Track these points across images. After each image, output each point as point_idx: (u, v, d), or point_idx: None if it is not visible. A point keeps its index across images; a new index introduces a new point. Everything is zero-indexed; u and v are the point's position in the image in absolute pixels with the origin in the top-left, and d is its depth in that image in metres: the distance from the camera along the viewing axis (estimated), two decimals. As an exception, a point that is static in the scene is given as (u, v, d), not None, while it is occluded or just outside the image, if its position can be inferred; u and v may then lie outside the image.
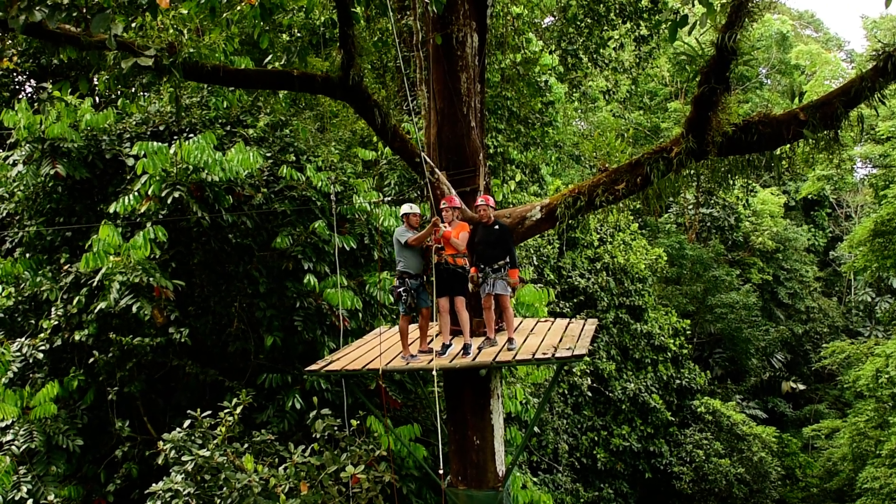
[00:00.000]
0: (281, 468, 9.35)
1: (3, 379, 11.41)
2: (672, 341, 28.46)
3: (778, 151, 8.21)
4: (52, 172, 11.92)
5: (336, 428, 9.84)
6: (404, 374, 12.63)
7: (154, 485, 8.86)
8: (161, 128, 13.17)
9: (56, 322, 11.74)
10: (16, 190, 12.90)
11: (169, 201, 11.31)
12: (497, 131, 19.82)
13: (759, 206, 41.27)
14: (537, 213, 9.41)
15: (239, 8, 10.36)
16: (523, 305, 13.29)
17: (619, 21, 17.14)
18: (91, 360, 11.43)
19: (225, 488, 8.77)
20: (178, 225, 11.79)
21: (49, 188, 12.58)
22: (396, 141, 9.43)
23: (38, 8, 6.97)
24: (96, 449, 12.04)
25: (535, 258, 24.06)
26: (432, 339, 9.65)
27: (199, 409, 9.51)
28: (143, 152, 11.58)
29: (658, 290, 33.78)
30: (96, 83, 13.43)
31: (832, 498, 31.33)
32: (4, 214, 13.31)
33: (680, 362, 28.88)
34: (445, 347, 9.15)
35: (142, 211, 11.48)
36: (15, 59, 15.72)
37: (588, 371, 24.89)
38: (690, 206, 41.37)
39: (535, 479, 19.89)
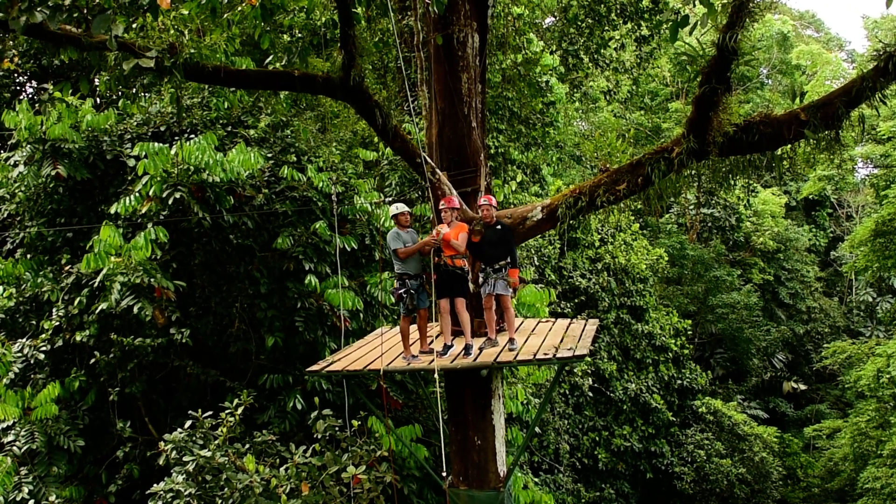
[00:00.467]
0: (282, 469, 9.35)
1: (5, 380, 11.42)
2: (673, 341, 28.46)
3: (779, 151, 8.20)
4: (53, 173, 11.92)
5: (337, 428, 9.84)
6: (405, 375, 12.62)
7: (155, 485, 8.87)
8: (162, 128, 13.17)
9: (57, 323, 11.74)
10: (17, 191, 12.90)
11: (170, 202, 11.30)
12: (498, 132, 19.82)
13: (761, 206, 41.27)
14: (538, 214, 9.41)
15: (240, 8, 10.36)
16: (524, 306, 13.29)
17: (620, 21, 17.15)
18: (92, 360, 11.43)
19: (226, 489, 8.77)
20: (179, 226, 11.79)
21: (50, 189, 12.59)
22: (397, 141, 9.43)
23: (38, 9, 6.99)
24: (97, 449, 12.05)
25: (536, 258, 24.06)
26: (433, 340, 9.66)
27: (200, 410, 9.52)
28: (144, 153, 11.58)
29: (659, 290, 33.78)
30: (97, 84, 13.43)
31: (833, 498, 31.31)
32: (5, 215, 13.31)
33: (681, 362, 28.88)
34: (447, 348, 9.16)
35: (143, 212, 11.48)
36: (16, 59, 15.71)
37: (589, 371, 24.89)
38: (691, 207, 41.36)
39: (536, 480, 19.90)
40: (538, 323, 10.83)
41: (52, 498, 10.65)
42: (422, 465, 11.36)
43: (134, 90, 10.54)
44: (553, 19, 22.33)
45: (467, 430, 9.45)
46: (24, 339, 12.00)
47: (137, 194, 11.55)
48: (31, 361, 11.77)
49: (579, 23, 17.17)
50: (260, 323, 12.27)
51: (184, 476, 8.80)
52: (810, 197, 45.58)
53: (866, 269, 29.74)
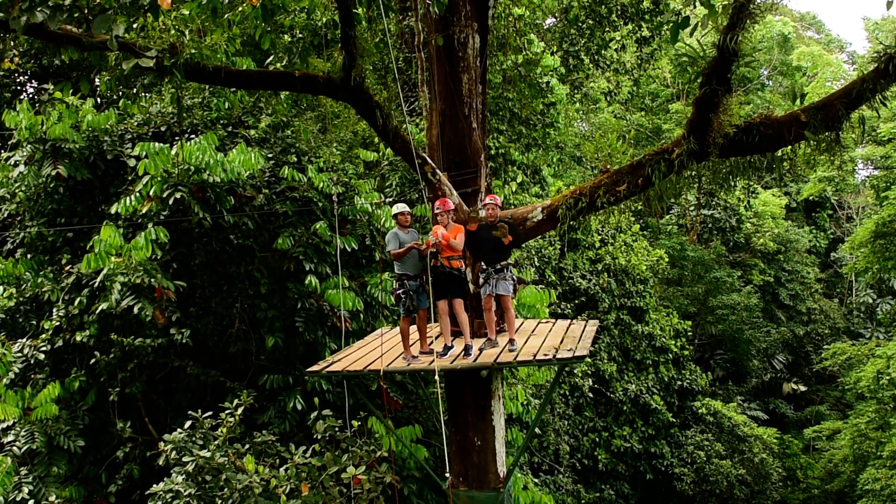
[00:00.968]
0: (282, 469, 9.35)
1: (5, 380, 11.42)
2: (673, 342, 28.46)
3: (779, 153, 8.20)
4: (53, 173, 11.92)
5: (337, 429, 9.83)
6: (405, 375, 12.62)
7: (155, 485, 8.86)
8: (163, 129, 13.17)
9: (57, 323, 11.74)
10: (17, 191, 12.90)
11: (170, 202, 11.31)
12: (499, 132, 19.82)
13: (761, 207, 41.27)
14: (539, 215, 9.41)
15: (240, 9, 10.36)
16: (524, 307, 13.29)
17: (621, 22, 17.14)
18: (92, 360, 11.43)
19: (226, 489, 8.77)
20: (180, 226, 11.79)
21: (50, 189, 12.59)
22: (398, 142, 9.44)
23: (39, 9, 6.99)
24: (97, 450, 12.05)
25: (536, 259, 24.06)
26: (433, 341, 9.66)
27: (200, 410, 9.51)
28: (144, 153, 11.59)
29: (659, 291, 33.78)
30: (98, 84, 13.43)
31: (833, 499, 31.31)
32: (6, 215, 13.31)
33: (681, 363, 28.88)
34: (447, 349, 9.17)
35: (143, 212, 11.48)
36: (16, 59, 15.72)
37: (589, 372, 24.89)
38: (692, 208, 41.36)
39: (536, 480, 19.89)
40: (538, 324, 10.83)
41: (52, 498, 10.64)
42: (422, 466, 11.37)
43: (134, 90, 10.56)
44: (554, 20, 22.31)
45: (467, 430, 9.45)
46: (24, 339, 12.00)
47: (138, 194, 11.54)
48: (32, 361, 11.77)
49: (580, 24, 17.16)
50: (260, 323, 12.27)
51: (183, 476, 8.80)
52: (811, 198, 45.57)
53: (866, 271, 29.73)
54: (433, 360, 8.98)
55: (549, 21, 22.79)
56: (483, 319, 9.50)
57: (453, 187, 9.58)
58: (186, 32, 9.68)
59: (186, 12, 9.60)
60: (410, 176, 15.75)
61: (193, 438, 9.26)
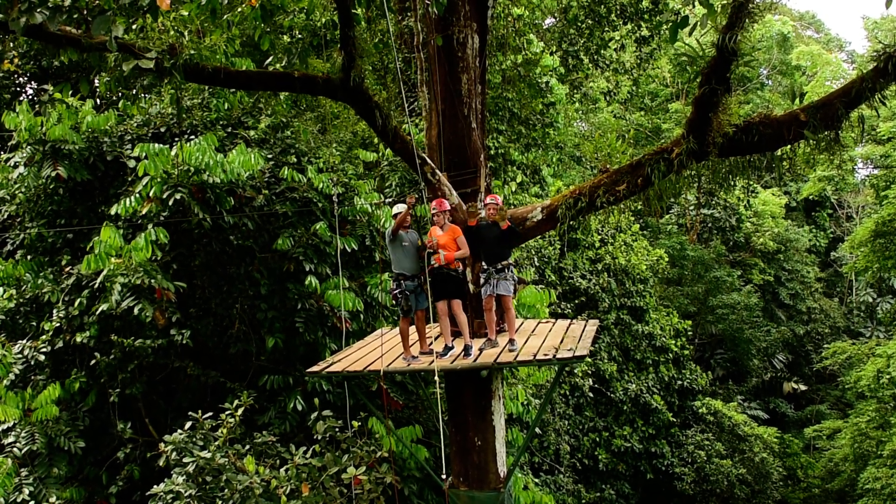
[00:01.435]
0: (282, 470, 9.35)
1: (5, 381, 11.42)
2: (673, 342, 28.47)
3: (779, 152, 8.19)
4: (53, 174, 11.92)
5: (337, 429, 9.83)
6: (406, 376, 12.62)
7: (155, 486, 8.86)
8: (162, 129, 13.17)
9: (57, 324, 11.74)
10: (17, 192, 12.90)
11: (170, 203, 11.31)
12: (498, 132, 19.82)
13: (761, 206, 41.28)
14: (538, 214, 9.41)
15: (240, 9, 10.37)
16: (524, 307, 13.29)
17: (620, 22, 17.16)
18: (92, 361, 11.43)
19: (226, 490, 8.77)
20: (180, 227, 11.79)
21: (50, 190, 12.59)
22: (397, 142, 9.43)
23: (38, 10, 6.99)
24: (98, 451, 12.05)
25: (536, 259, 24.06)
26: (433, 341, 9.66)
27: (200, 411, 9.51)
28: (144, 154, 11.58)
29: (659, 290, 33.78)
30: (97, 85, 13.43)
31: (834, 498, 31.31)
32: (6, 216, 13.31)
33: (681, 363, 28.89)
34: (447, 349, 9.16)
35: (143, 213, 11.48)
36: (16, 60, 15.72)
37: (589, 372, 24.89)
38: (691, 207, 41.37)
39: (536, 480, 19.89)
40: (538, 324, 10.83)
41: (53, 499, 10.63)
42: (422, 466, 11.37)
43: (134, 91, 10.53)
44: (553, 20, 22.34)
45: (467, 430, 9.45)
46: (24, 341, 12.00)
47: (138, 195, 11.54)
48: (32, 363, 11.77)
49: (579, 24, 17.18)
50: (260, 324, 12.27)
51: (184, 477, 8.80)
52: (810, 197, 45.60)
53: (866, 270, 29.75)
54: (433, 361, 8.98)
55: (549, 21, 22.83)
56: (483, 319, 9.50)
57: (453, 187, 9.58)
58: (186, 33, 9.68)
59: (186, 13, 9.62)
60: (410, 176, 15.74)
61: (194, 439, 9.26)
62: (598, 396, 25.70)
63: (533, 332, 10.14)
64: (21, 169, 12.47)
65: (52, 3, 7.13)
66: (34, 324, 12.24)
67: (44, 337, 11.79)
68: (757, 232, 40.93)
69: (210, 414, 9.61)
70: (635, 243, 29.21)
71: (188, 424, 9.43)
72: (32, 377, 11.89)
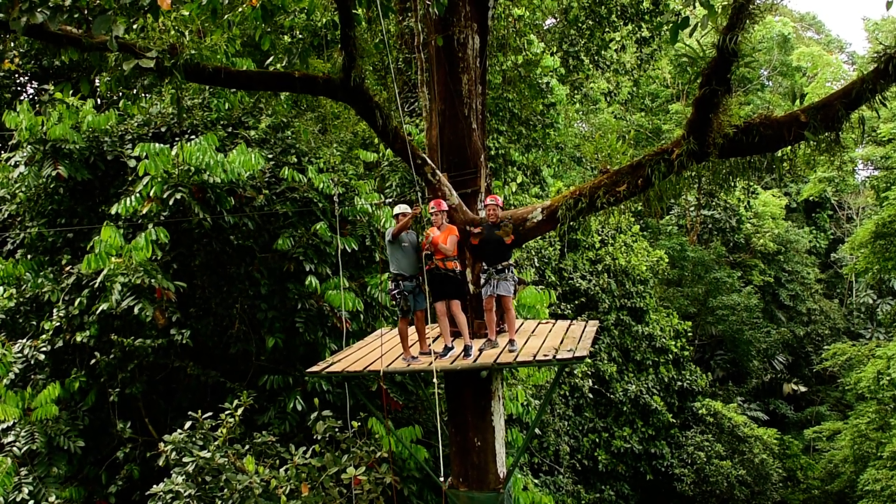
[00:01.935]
0: (282, 470, 9.35)
1: (5, 380, 11.42)
2: (673, 343, 28.46)
3: (779, 153, 8.18)
4: (53, 174, 11.93)
5: (337, 429, 9.84)
6: (405, 376, 12.64)
7: (155, 486, 8.87)
8: (163, 129, 13.18)
9: (57, 323, 11.74)
10: (17, 191, 12.91)
11: (170, 203, 11.32)
12: (498, 133, 19.82)
13: (761, 207, 41.27)
14: (538, 215, 9.41)
15: (240, 9, 10.36)
16: (524, 307, 13.29)
17: (621, 23, 17.14)
18: (92, 361, 11.44)
19: (226, 490, 8.77)
20: (180, 226, 11.80)
21: (51, 189, 12.60)
22: (397, 142, 9.43)
23: (39, 10, 6.99)
24: (97, 450, 12.05)
25: (536, 260, 24.06)
26: (433, 342, 9.66)
27: (200, 411, 9.52)
28: (144, 154, 11.59)
29: (659, 291, 33.78)
30: (98, 85, 13.41)
31: (833, 500, 31.29)
32: (6, 216, 13.32)
33: (681, 364, 28.89)
34: (447, 349, 9.17)
35: (143, 212, 11.48)
36: (17, 60, 15.73)
37: (589, 373, 24.89)
38: (692, 208, 41.36)
39: (536, 481, 19.89)
40: (538, 324, 10.83)
41: (52, 499, 10.65)
42: (422, 467, 11.37)
43: (135, 91, 10.52)
44: (554, 21, 22.33)
45: (467, 431, 9.45)
46: (24, 340, 12.01)
47: (138, 195, 11.55)
48: (32, 362, 11.78)
49: (580, 24, 17.16)
50: (260, 324, 12.28)
51: (183, 477, 8.80)
52: (811, 199, 45.59)
53: (866, 271, 29.71)
54: (433, 361, 8.98)
55: (549, 21, 22.81)
56: (483, 320, 9.50)
57: (453, 188, 9.58)
58: (186, 33, 9.67)
59: (186, 13, 9.60)
60: (410, 177, 15.75)
61: (193, 439, 9.27)
62: (597, 397, 25.70)
63: (533, 332, 10.14)
64: (21, 168, 12.48)
65: (53, 2, 7.12)
66: (34, 323, 12.25)
67: (44, 336, 11.80)
68: (757, 233, 40.92)
69: (210, 414, 9.62)
70: (635, 244, 29.21)
71: (188, 424, 9.43)
72: (32, 376, 11.89)
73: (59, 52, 8.65)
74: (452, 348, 9.20)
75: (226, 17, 10.45)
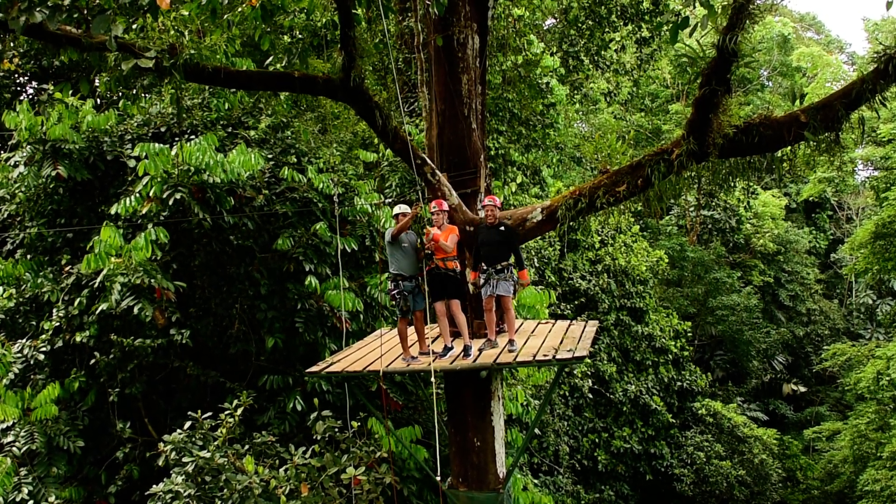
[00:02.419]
0: (282, 470, 9.35)
1: (5, 380, 11.41)
2: (673, 343, 28.46)
3: (779, 153, 8.19)
4: (53, 174, 11.93)
5: (337, 429, 9.84)
6: (405, 376, 12.64)
7: (155, 486, 8.87)
8: (162, 129, 13.18)
9: (57, 323, 11.74)
10: (17, 191, 12.91)
11: (170, 203, 11.31)
12: (498, 133, 19.82)
13: (761, 208, 41.28)
14: (538, 215, 9.41)
15: (240, 9, 10.35)
16: (524, 307, 13.28)
17: (621, 23, 17.15)
18: (92, 361, 11.43)
19: (225, 490, 8.77)
20: (180, 226, 11.79)
21: (50, 189, 12.59)
22: (397, 142, 9.43)
23: (38, 9, 6.98)
24: (97, 450, 12.05)
25: (536, 260, 24.06)
26: (433, 342, 9.66)
27: (199, 411, 9.52)
28: (144, 154, 11.59)
29: (659, 292, 33.78)
30: (97, 85, 13.42)
31: (833, 500, 31.30)
32: (6, 216, 13.31)
33: (681, 364, 28.88)
34: (446, 349, 9.16)
35: (143, 212, 11.48)
36: (16, 60, 15.72)
37: (589, 373, 24.89)
38: (691, 209, 41.36)
39: (535, 481, 19.88)
40: (538, 324, 10.83)
41: (52, 499, 10.64)
42: (421, 467, 11.36)
43: (134, 91, 10.53)
44: (553, 21, 22.33)
45: (467, 431, 9.45)
46: (23, 340, 12.00)
47: (138, 195, 11.55)
48: (31, 362, 11.77)
49: (580, 24, 17.17)
50: (260, 324, 12.27)
51: (183, 477, 8.80)
52: (810, 199, 45.61)
53: (866, 272, 29.76)
54: (432, 361, 8.98)
55: (549, 22, 22.81)
56: (483, 320, 9.50)
57: (453, 188, 9.58)
58: (186, 33, 9.66)
59: (186, 13, 9.60)
60: (410, 177, 15.75)
61: (193, 439, 9.27)
62: (597, 397, 25.70)
63: (532, 332, 10.14)
64: (21, 168, 12.48)
65: (52, 2, 7.12)
66: (34, 323, 12.25)
67: (43, 336, 11.79)
68: (757, 233, 40.93)
69: (209, 414, 9.61)
70: (635, 244, 29.21)
71: (187, 424, 9.43)
72: (32, 376, 11.89)
73: (59, 51, 8.65)
74: (452, 348, 9.20)
75: (225, 16, 10.45)
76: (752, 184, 34.67)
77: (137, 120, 13.36)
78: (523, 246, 18.23)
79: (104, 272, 11.05)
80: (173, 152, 11.65)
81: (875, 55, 7.38)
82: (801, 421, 39.74)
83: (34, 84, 17.21)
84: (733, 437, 28.39)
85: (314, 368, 9.82)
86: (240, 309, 12.31)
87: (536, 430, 21.48)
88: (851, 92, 7.46)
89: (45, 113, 12.50)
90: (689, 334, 31.31)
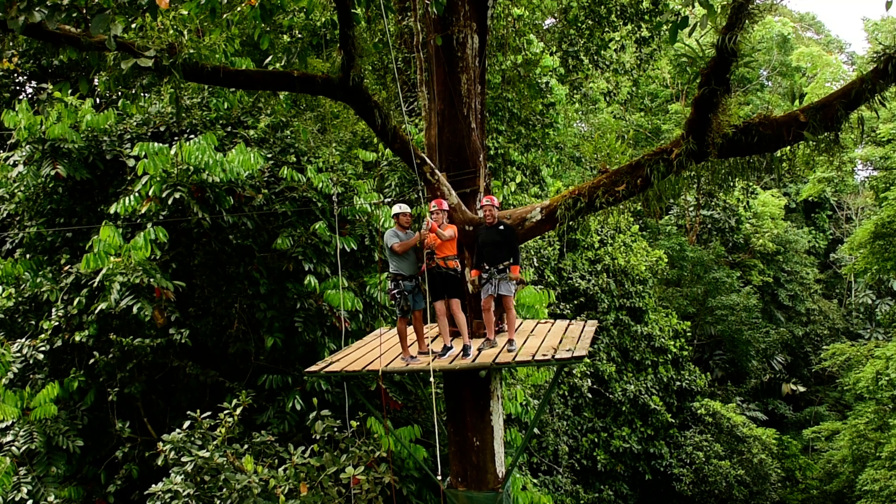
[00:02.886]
0: (281, 469, 9.35)
1: (4, 380, 11.40)
2: (672, 343, 28.47)
3: (778, 153, 8.18)
4: (52, 173, 11.92)
5: (336, 429, 9.84)
6: (404, 376, 12.63)
7: (154, 486, 8.86)
8: (162, 129, 13.17)
9: (56, 323, 11.73)
10: (16, 191, 12.90)
11: (170, 202, 11.31)
12: (498, 133, 19.82)
13: (760, 208, 41.28)
14: (537, 215, 9.41)
15: (239, 9, 10.35)
16: (524, 307, 13.29)
17: (620, 23, 17.16)
18: (91, 360, 11.42)
19: (225, 489, 8.77)
20: (179, 226, 11.79)
21: (49, 189, 12.58)
22: (397, 142, 9.43)
23: (37, 9, 6.99)
24: (97, 450, 12.04)
25: (535, 260, 24.06)
26: (432, 341, 9.66)
27: (199, 410, 9.52)
28: (143, 153, 11.59)
29: (658, 291, 33.78)
30: (96, 84, 13.43)
31: (832, 500, 31.30)
32: (5, 215, 13.30)
33: (680, 364, 28.90)
34: (446, 349, 9.17)
35: (142, 212, 11.48)
36: (15, 59, 15.72)
37: (588, 373, 24.89)
38: (691, 208, 41.37)
39: (535, 481, 19.89)
40: (537, 324, 10.84)
41: (51, 498, 10.64)
42: (421, 466, 11.37)
43: (133, 90, 10.51)
44: (553, 20, 22.34)
45: (466, 430, 9.45)
46: (23, 339, 11.99)
47: (137, 194, 11.55)
48: (31, 361, 11.76)
49: (579, 24, 17.18)
50: (259, 323, 12.27)
51: (182, 476, 8.80)
52: (810, 199, 45.60)
53: (865, 272, 29.78)
54: (431, 361, 8.98)
55: (549, 21, 22.82)
56: (482, 319, 9.50)
57: (452, 187, 9.58)
58: (185, 32, 9.66)
59: (185, 12, 9.59)
60: (410, 176, 15.75)
61: (192, 438, 9.26)
62: (596, 397, 25.70)
63: (532, 332, 10.14)
64: (20, 168, 12.47)
65: (51, 1, 7.13)
66: (33, 322, 12.24)
67: (43, 336, 11.78)
68: (756, 233, 40.93)
69: (209, 413, 9.61)
70: (634, 244, 29.22)
71: (187, 424, 9.43)
72: (31, 376, 11.88)
73: (58, 51, 8.64)
74: (451, 348, 9.20)
75: (225, 16, 10.44)
76: (751, 183, 34.71)
77: (137, 119, 13.35)
78: (522, 246, 18.26)
79: (103, 271, 11.04)
80: (172, 152, 11.64)
81: (874, 55, 7.38)
82: (800, 421, 39.76)
83: (33, 83, 17.21)
84: (732, 436, 28.41)
85: (313, 368, 9.83)
86: (239, 308, 12.31)
87: (535, 430, 21.48)
88: (851, 92, 7.46)
89: (45, 112, 12.50)
90: (689, 334, 31.33)
